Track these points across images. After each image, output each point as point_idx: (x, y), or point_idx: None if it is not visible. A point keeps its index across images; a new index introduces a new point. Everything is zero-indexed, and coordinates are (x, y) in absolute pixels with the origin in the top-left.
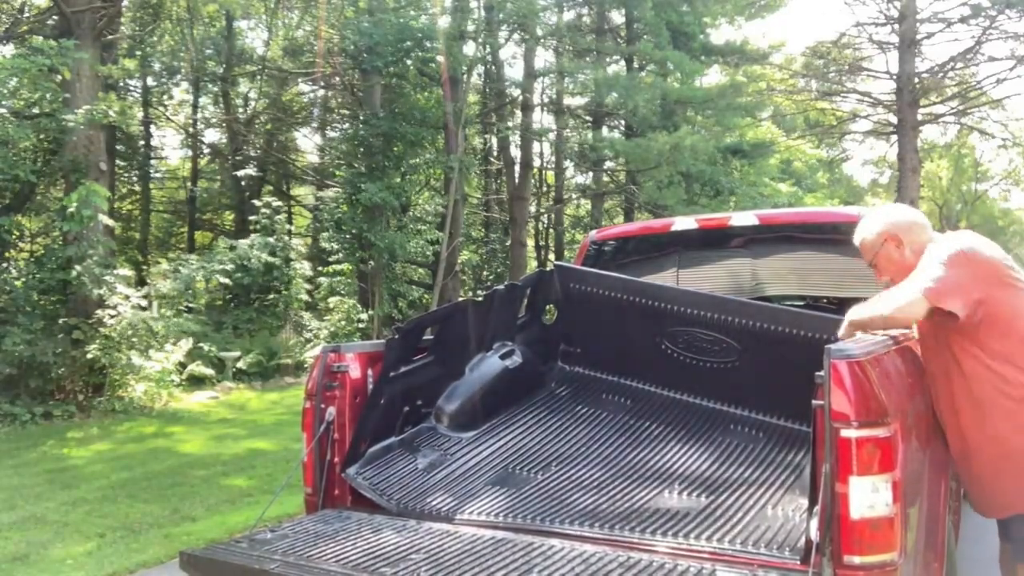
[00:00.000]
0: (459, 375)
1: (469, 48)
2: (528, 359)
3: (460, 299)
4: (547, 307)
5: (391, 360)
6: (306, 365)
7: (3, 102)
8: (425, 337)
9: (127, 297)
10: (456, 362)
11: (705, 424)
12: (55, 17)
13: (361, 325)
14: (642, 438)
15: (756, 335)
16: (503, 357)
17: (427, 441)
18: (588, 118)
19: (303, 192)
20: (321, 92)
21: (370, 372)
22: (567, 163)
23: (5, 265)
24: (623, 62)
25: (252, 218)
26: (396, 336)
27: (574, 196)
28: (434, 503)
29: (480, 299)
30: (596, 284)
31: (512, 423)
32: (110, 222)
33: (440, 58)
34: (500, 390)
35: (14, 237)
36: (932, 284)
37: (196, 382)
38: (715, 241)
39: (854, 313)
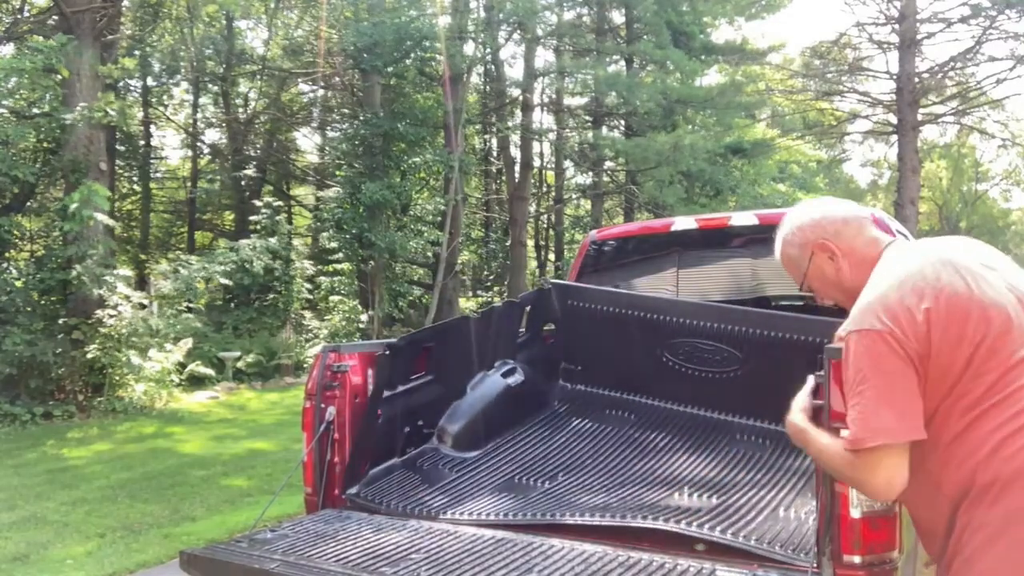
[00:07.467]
0: (460, 394)
1: (469, 48)
2: (530, 377)
3: (455, 317)
4: (546, 325)
5: (384, 379)
6: (306, 365)
7: (3, 102)
8: (426, 344)
9: (127, 297)
10: (456, 381)
11: (711, 435)
12: (55, 17)
13: (361, 325)
14: (648, 453)
15: (756, 342)
16: (505, 375)
17: (430, 462)
18: (588, 118)
19: (303, 192)
20: (321, 92)
21: (370, 372)
22: (567, 163)
23: (5, 265)
24: (623, 62)
25: (252, 218)
26: (387, 353)
27: (574, 196)
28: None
29: (478, 315)
30: (594, 300)
31: (517, 442)
32: (110, 222)
33: (440, 58)
34: (503, 409)
35: (14, 237)
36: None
37: (196, 382)
38: (715, 241)
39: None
